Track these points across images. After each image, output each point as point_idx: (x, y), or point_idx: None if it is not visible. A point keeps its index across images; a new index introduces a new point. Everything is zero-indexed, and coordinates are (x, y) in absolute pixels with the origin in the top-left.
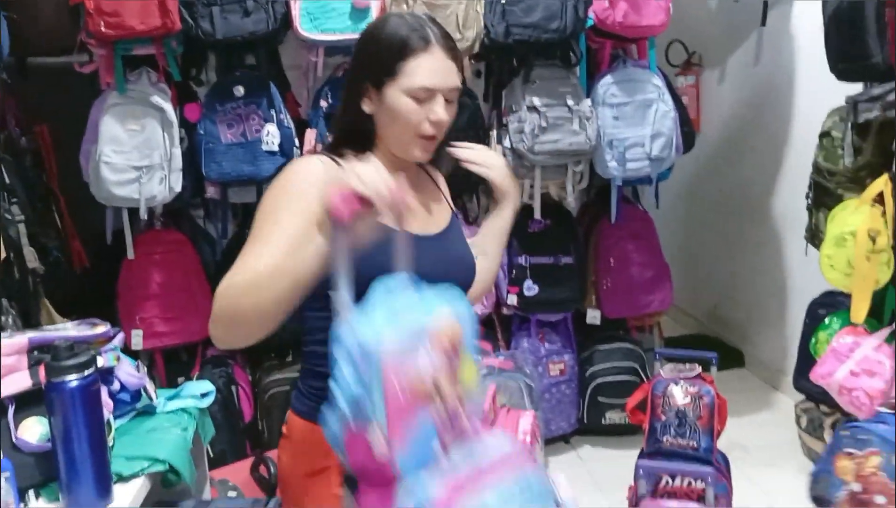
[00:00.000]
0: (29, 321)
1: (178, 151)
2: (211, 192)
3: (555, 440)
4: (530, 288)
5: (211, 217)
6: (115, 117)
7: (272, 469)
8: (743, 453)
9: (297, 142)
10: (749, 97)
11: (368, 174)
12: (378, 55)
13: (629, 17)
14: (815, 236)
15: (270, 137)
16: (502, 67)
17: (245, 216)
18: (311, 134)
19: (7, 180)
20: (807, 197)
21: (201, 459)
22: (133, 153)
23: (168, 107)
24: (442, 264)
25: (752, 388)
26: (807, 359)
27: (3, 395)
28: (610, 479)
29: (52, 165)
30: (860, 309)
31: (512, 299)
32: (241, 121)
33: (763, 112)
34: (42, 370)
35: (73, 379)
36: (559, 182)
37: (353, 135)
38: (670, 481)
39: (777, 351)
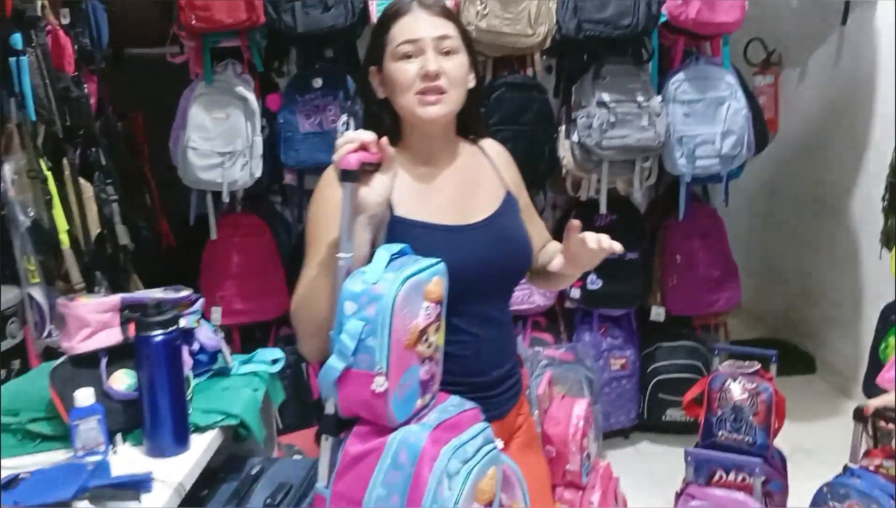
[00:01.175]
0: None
1: (259, 139)
2: (288, 179)
3: (614, 435)
4: (594, 282)
5: (287, 203)
6: (203, 106)
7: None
8: (806, 456)
9: None
10: (828, 98)
11: (353, 133)
12: (373, 39)
13: (703, 14)
14: (889, 240)
15: (345, 126)
16: (573, 62)
17: None
18: None
19: (104, 162)
20: (883, 200)
21: (269, 420)
22: (218, 140)
23: (251, 97)
24: (486, 249)
25: (823, 394)
26: (877, 365)
27: (97, 347)
28: (667, 476)
29: (145, 149)
30: None
31: (575, 293)
32: (318, 111)
33: (842, 113)
34: (132, 327)
35: (158, 334)
36: (627, 178)
37: (378, 130)
38: (724, 475)
39: (849, 357)
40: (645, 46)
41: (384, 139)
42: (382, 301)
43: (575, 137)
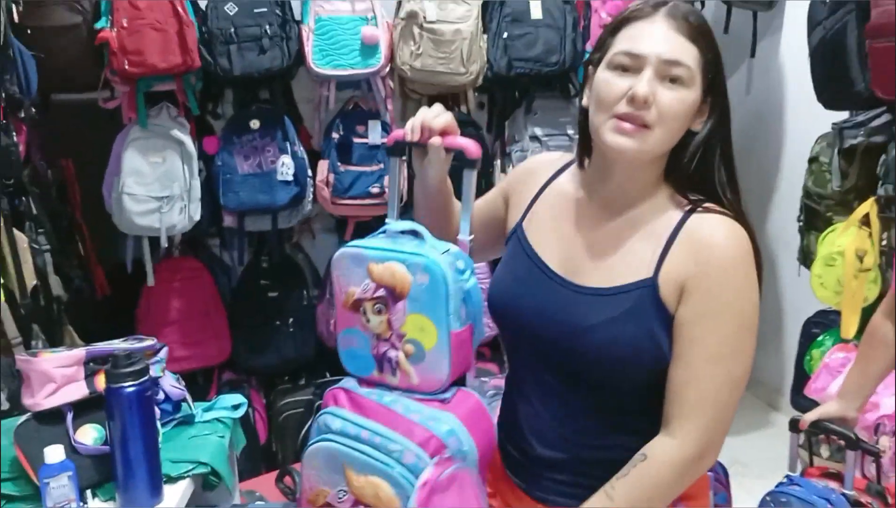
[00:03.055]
0: (54, 346)
1: (196, 183)
2: (228, 221)
3: None
4: None
5: (227, 246)
6: (138, 150)
7: (297, 479)
8: (742, 468)
9: (309, 172)
10: (741, 126)
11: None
12: (602, 36)
13: None
14: (806, 257)
15: (285, 167)
16: (505, 98)
17: (260, 244)
18: (323, 164)
19: (35, 212)
20: (798, 220)
21: (233, 467)
22: (154, 185)
23: (187, 140)
24: (555, 317)
25: (752, 408)
26: (802, 376)
27: (62, 402)
28: None
29: (76, 196)
30: (850, 325)
31: None
32: (257, 153)
33: (755, 140)
34: (97, 380)
35: (130, 385)
36: None
37: (581, 140)
38: None
39: (775, 372)
40: (572, 81)
41: (439, 140)
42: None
43: (510, 171)
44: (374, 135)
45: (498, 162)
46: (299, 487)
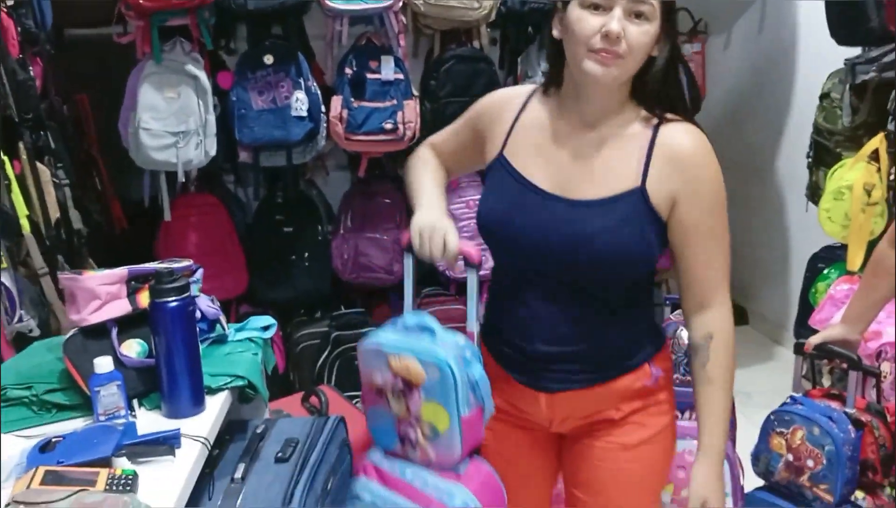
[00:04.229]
0: None
1: (212, 118)
2: (243, 156)
3: None
4: None
5: (241, 182)
6: (153, 85)
7: (323, 398)
8: (746, 398)
9: (323, 108)
10: (753, 63)
11: (426, 235)
12: None
13: None
14: (815, 194)
15: (299, 102)
16: (518, 34)
17: (274, 180)
18: (336, 100)
19: (53, 146)
20: (808, 156)
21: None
22: (170, 119)
23: (202, 75)
24: (559, 229)
25: (756, 342)
26: (807, 309)
27: (107, 318)
28: None
29: (92, 132)
30: (856, 258)
31: None
32: (271, 88)
33: (766, 77)
34: (139, 297)
35: (174, 300)
36: None
37: (549, 70)
38: (679, 415)
39: (779, 307)
40: None
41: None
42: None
43: None
44: (387, 70)
45: None
46: (324, 405)
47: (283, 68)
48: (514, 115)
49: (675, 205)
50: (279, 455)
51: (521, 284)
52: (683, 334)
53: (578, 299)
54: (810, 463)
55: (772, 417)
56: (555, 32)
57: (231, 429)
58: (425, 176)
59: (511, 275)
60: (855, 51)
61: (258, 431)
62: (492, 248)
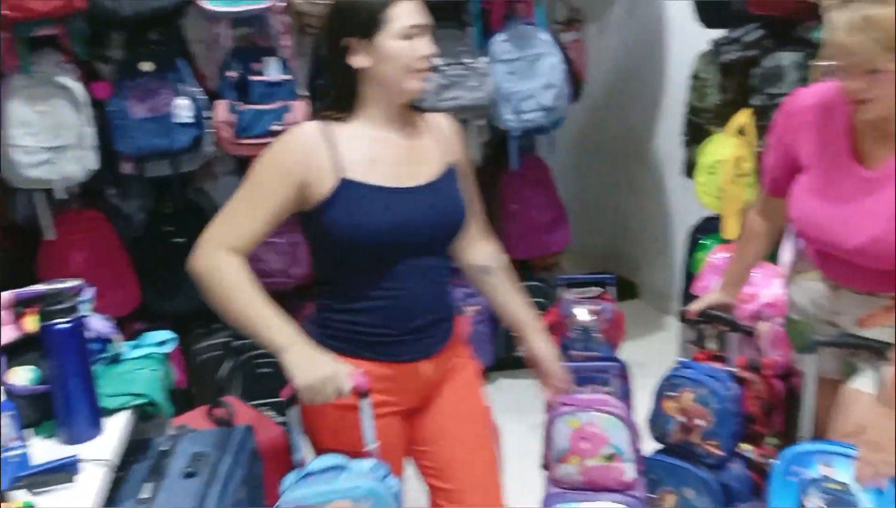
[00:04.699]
0: None
1: (89, 130)
2: (127, 168)
3: None
4: None
5: (126, 194)
6: (22, 100)
7: (229, 409)
8: (640, 368)
9: (209, 113)
10: (628, 48)
11: (318, 389)
12: (360, 11)
13: None
14: (691, 169)
15: (181, 109)
16: None
17: (161, 190)
18: (221, 105)
19: None
20: (683, 134)
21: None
22: (44, 134)
23: (76, 86)
24: (424, 213)
25: (646, 315)
26: (690, 280)
27: None
28: (526, 405)
29: None
30: (731, 227)
31: None
32: (151, 96)
33: (641, 61)
34: (25, 322)
35: (64, 322)
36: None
37: (340, 94)
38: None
39: (665, 279)
40: (468, 11)
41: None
42: None
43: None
44: (273, 71)
45: None
46: (230, 416)
47: (162, 75)
48: (325, 148)
49: (457, 167)
50: (187, 470)
51: (398, 272)
52: (578, 311)
53: (436, 266)
54: (700, 422)
55: (663, 383)
56: (359, 62)
57: (135, 449)
58: (254, 299)
59: (386, 270)
60: (721, 32)
61: (163, 449)
62: (377, 258)
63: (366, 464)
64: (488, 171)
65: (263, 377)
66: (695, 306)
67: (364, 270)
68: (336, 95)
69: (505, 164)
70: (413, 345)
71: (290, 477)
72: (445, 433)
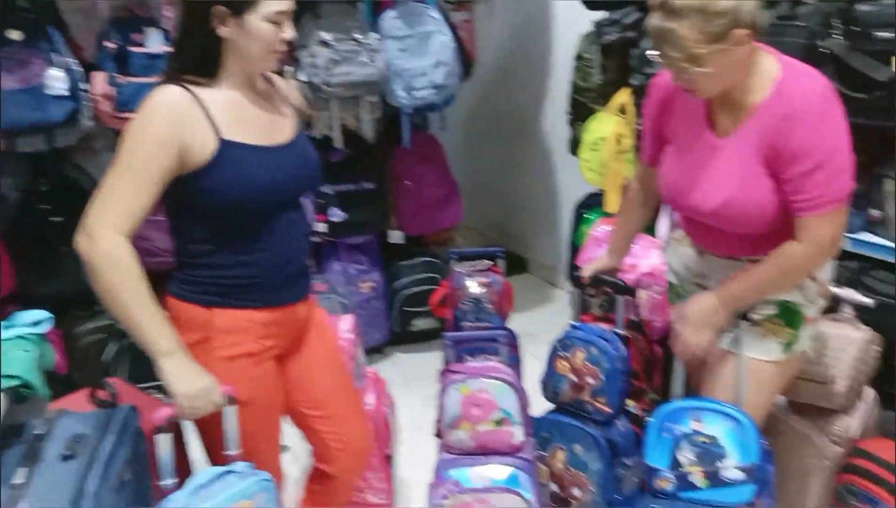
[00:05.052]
0: None
1: None
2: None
3: (370, 352)
4: (337, 214)
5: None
6: None
7: (112, 391)
8: (531, 339)
9: (85, 86)
10: (515, 28)
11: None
12: None
13: None
14: (575, 147)
15: (54, 80)
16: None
17: (36, 166)
18: (99, 77)
19: None
20: (568, 113)
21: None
22: None
23: None
24: (293, 169)
25: (536, 288)
26: (575, 252)
27: None
28: (421, 378)
29: None
30: (613, 201)
31: (321, 227)
32: (20, 66)
33: (527, 40)
34: None
35: None
36: (354, 113)
37: (202, 60)
38: (469, 358)
39: (553, 253)
40: None
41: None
42: None
43: (302, 77)
44: (154, 43)
45: (289, 69)
46: (114, 397)
47: (32, 44)
48: (199, 111)
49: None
50: (65, 453)
51: (275, 225)
52: (469, 283)
53: (300, 217)
54: (590, 380)
55: (556, 344)
56: (224, 32)
57: (8, 433)
58: (142, 294)
59: (265, 224)
60: (603, 14)
61: (38, 432)
62: (258, 214)
63: (241, 465)
64: (381, 148)
65: (151, 359)
66: (586, 272)
67: (245, 225)
68: (197, 60)
69: (397, 141)
70: (291, 290)
71: (180, 495)
72: (315, 368)
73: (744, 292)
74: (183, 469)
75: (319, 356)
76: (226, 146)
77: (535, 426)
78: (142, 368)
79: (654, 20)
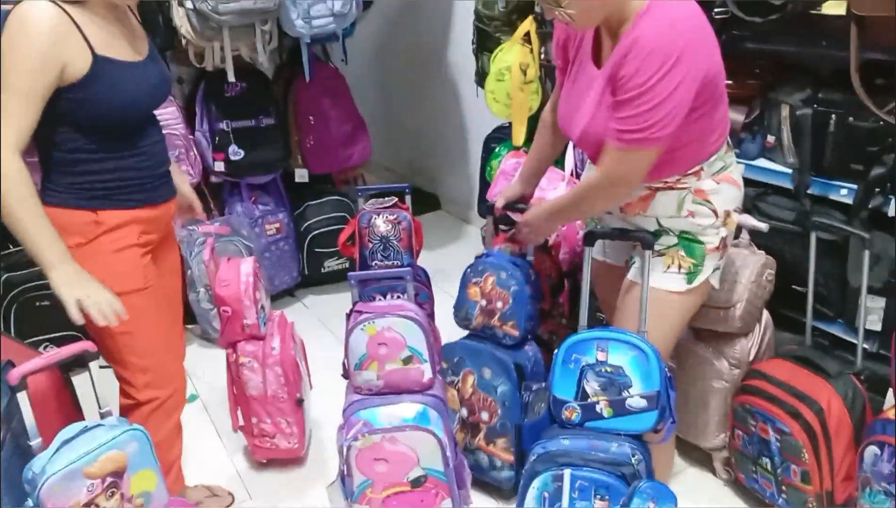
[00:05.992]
0: None
1: None
2: None
3: (281, 295)
4: (236, 152)
5: None
6: None
7: None
8: (444, 275)
9: None
10: None
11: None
12: None
13: None
14: (482, 78)
15: None
16: None
17: None
18: None
19: None
20: (472, 43)
21: None
22: None
23: None
24: (154, 82)
25: (448, 225)
26: (485, 187)
27: None
28: (333, 318)
29: None
30: (520, 134)
31: (219, 166)
32: None
33: None
34: None
35: None
36: (249, 43)
37: None
38: (382, 299)
39: (465, 188)
40: None
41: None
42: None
43: (189, 4)
44: None
45: None
46: None
47: None
48: (74, 28)
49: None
50: None
51: (145, 131)
52: (376, 222)
53: (158, 125)
54: (499, 305)
55: (468, 270)
56: None
57: None
58: (36, 210)
59: (138, 131)
60: None
61: None
62: (123, 123)
63: (112, 419)
64: (280, 81)
65: (42, 310)
66: (499, 203)
67: (121, 133)
68: None
69: (298, 74)
70: (165, 188)
71: (47, 454)
72: (175, 266)
73: (560, 207)
74: (77, 417)
75: (173, 256)
76: (99, 62)
77: (446, 353)
78: (33, 320)
79: None
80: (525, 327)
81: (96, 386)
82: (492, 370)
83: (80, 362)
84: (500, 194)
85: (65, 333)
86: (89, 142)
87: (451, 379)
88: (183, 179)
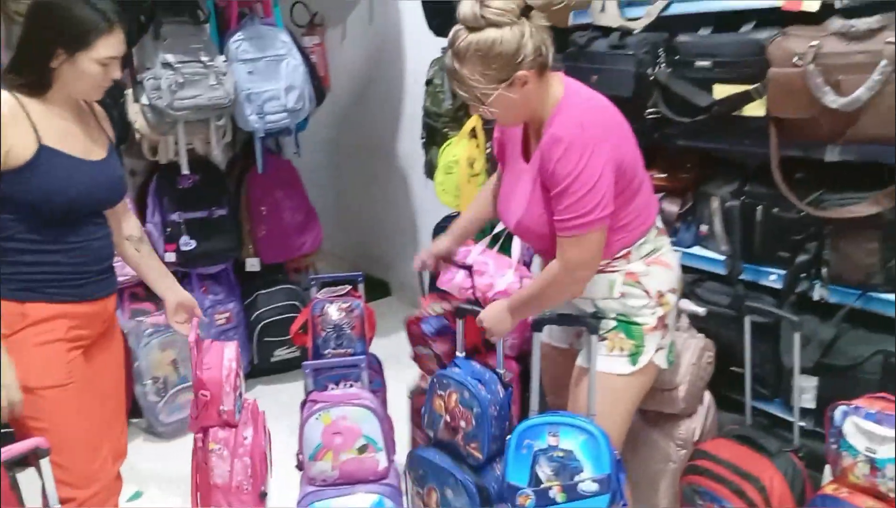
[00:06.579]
0: None
1: None
2: None
3: None
4: (187, 243)
5: None
6: None
7: None
8: (395, 361)
9: None
10: (368, 53)
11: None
12: (72, 28)
13: None
14: (431, 170)
15: None
16: (130, 24)
17: None
18: None
19: None
20: (422, 137)
21: None
22: None
23: None
24: (103, 184)
25: (399, 310)
26: (436, 274)
27: None
28: (285, 408)
29: None
30: None
31: (170, 257)
32: None
33: (380, 65)
34: None
35: None
36: (203, 137)
37: (34, 80)
38: (335, 386)
39: (415, 275)
40: (200, 7)
41: None
42: None
43: (144, 100)
44: None
45: (130, 91)
46: None
47: None
48: (23, 116)
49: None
50: None
51: (85, 227)
52: (329, 310)
53: (105, 224)
54: (463, 424)
55: (434, 380)
56: (54, 65)
57: None
58: None
59: (77, 225)
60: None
61: None
62: (61, 215)
63: None
64: (233, 174)
65: None
66: (423, 256)
67: (56, 227)
68: (29, 79)
69: (251, 165)
70: (102, 284)
71: None
72: (116, 361)
73: (522, 302)
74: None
75: (117, 354)
76: (44, 152)
77: (412, 462)
78: None
79: (446, 59)
80: (489, 448)
81: (46, 483)
82: (454, 491)
83: (28, 459)
84: (427, 248)
85: None
86: (25, 231)
87: (417, 490)
88: (176, 285)
